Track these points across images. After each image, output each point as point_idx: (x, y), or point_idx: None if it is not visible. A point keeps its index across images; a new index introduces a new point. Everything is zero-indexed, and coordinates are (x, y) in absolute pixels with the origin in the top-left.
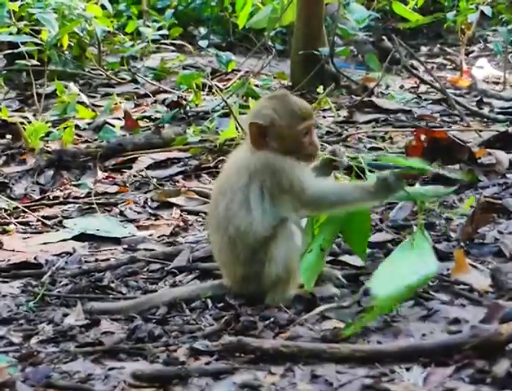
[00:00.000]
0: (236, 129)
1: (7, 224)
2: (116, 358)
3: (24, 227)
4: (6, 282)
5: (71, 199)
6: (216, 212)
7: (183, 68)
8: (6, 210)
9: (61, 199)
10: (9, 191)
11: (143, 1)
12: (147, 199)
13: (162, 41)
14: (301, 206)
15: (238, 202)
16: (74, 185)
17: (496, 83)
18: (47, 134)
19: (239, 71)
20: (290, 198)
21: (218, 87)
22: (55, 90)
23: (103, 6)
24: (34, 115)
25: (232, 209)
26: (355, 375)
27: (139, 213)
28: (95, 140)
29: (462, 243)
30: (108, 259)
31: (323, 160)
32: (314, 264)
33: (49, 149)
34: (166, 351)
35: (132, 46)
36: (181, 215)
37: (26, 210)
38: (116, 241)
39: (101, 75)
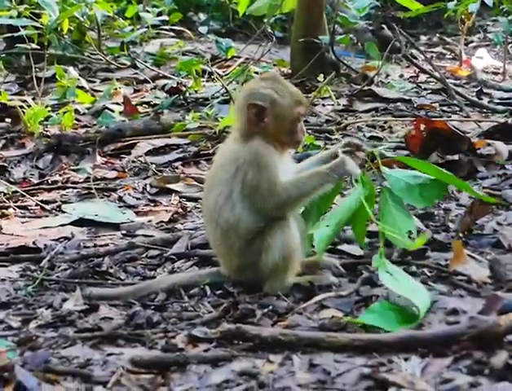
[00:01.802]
0: None
1: (6, 208)
2: (115, 344)
3: (22, 211)
4: (5, 266)
5: (70, 184)
6: (207, 204)
7: (183, 54)
8: (5, 194)
9: (60, 184)
10: (8, 175)
11: None
12: (146, 185)
13: (162, 27)
14: (266, 211)
15: (224, 196)
16: (73, 170)
17: (496, 73)
18: (46, 119)
19: (239, 57)
20: (260, 199)
21: (217, 74)
22: (55, 74)
23: None
24: (34, 99)
25: (219, 203)
26: (353, 365)
27: (137, 198)
28: (94, 125)
29: (461, 234)
30: (106, 244)
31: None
32: (328, 237)
33: (48, 133)
34: (165, 338)
35: (132, 30)
36: (180, 201)
37: (25, 194)
38: (115, 227)
39: (101, 60)
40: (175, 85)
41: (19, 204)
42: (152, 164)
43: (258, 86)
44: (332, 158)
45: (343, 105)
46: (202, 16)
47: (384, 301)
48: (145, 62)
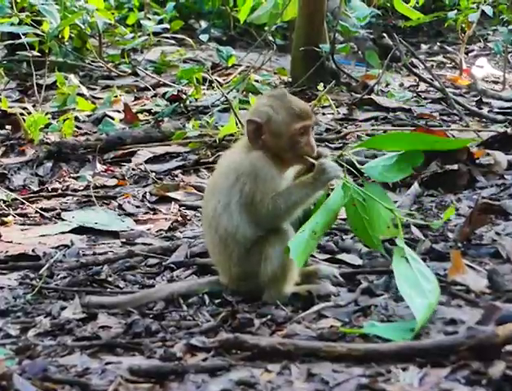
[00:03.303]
0: (236, 124)
1: (6, 215)
2: (113, 353)
3: (22, 219)
4: (4, 274)
5: (69, 192)
6: (206, 211)
7: (184, 62)
8: (4, 201)
9: (60, 192)
10: (8, 183)
11: None
12: (145, 193)
13: (163, 35)
14: (259, 222)
15: (223, 205)
16: (73, 177)
17: (496, 83)
18: (47, 126)
19: (239, 65)
20: (254, 210)
21: (218, 82)
22: (56, 81)
23: None
24: (34, 106)
25: (218, 211)
26: (351, 375)
27: (137, 206)
28: (95, 133)
29: (459, 244)
30: (105, 253)
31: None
32: (305, 243)
33: (48, 141)
34: (163, 347)
35: (133, 38)
36: (179, 210)
37: (24, 202)
38: (115, 235)
39: (101, 67)
40: (176, 93)
41: (18, 211)
42: (151, 172)
43: (259, 103)
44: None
45: (343, 114)
46: (203, 24)
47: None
48: (146, 69)
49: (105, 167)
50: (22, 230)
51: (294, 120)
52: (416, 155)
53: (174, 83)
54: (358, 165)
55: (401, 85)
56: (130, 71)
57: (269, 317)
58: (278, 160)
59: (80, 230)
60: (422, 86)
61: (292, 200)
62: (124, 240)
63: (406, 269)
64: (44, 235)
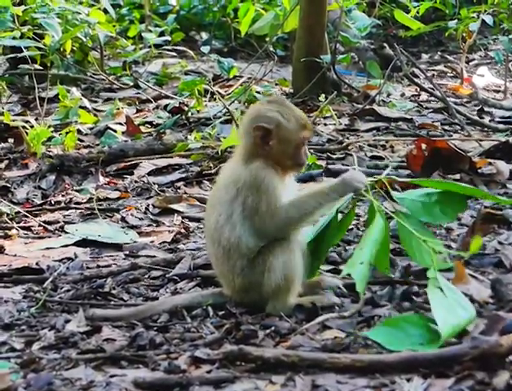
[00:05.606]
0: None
1: (9, 229)
2: (118, 366)
3: (25, 232)
4: (8, 287)
5: (72, 205)
6: (209, 224)
7: (185, 74)
8: (8, 215)
9: (63, 205)
10: (11, 196)
11: (145, 5)
12: (148, 205)
13: (164, 47)
14: (265, 232)
15: (225, 217)
16: (76, 190)
17: (497, 91)
18: (49, 139)
19: (241, 77)
20: (259, 221)
21: (219, 93)
22: (58, 94)
23: (105, 11)
24: (36, 119)
25: (220, 222)
26: (355, 386)
27: (140, 219)
28: (97, 145)
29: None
30: (109, 265)
31: None
32: (366, 275)
33: (51, 154)
34: (167, 359)
35: (134, 50)
36: (182, 222)
37: (28, 215)
38: (118, 247)
39: (103, 80)
40: (178, 105)
41: (22, 224)
42: (154, 184)
43: (264, 109)
44: None
45: (345, 124)
46: (204, 35)
47: (393, 319)
48: (147, 82)
49: (108, 179)
50: (25, 243)
51: (301, 129)
52: (459, 200)
53: (175, 95)
54: (392, 193)
55: (402, 95)
56: (131, 83)
57: (273, 328)
58: (277, 169)
59: (83, 243)
60: (423, 96)
61: (304, 210)
62: (127, 253)
63: (442, 299)
64: (47, 248)
